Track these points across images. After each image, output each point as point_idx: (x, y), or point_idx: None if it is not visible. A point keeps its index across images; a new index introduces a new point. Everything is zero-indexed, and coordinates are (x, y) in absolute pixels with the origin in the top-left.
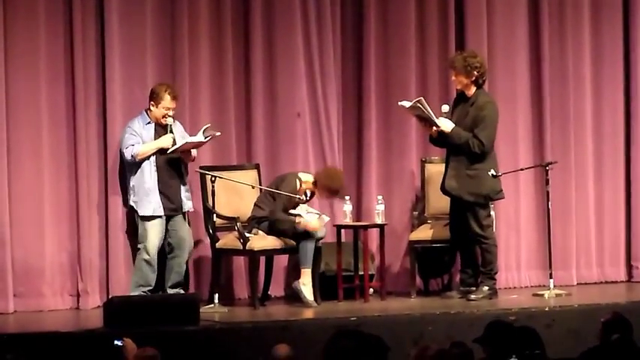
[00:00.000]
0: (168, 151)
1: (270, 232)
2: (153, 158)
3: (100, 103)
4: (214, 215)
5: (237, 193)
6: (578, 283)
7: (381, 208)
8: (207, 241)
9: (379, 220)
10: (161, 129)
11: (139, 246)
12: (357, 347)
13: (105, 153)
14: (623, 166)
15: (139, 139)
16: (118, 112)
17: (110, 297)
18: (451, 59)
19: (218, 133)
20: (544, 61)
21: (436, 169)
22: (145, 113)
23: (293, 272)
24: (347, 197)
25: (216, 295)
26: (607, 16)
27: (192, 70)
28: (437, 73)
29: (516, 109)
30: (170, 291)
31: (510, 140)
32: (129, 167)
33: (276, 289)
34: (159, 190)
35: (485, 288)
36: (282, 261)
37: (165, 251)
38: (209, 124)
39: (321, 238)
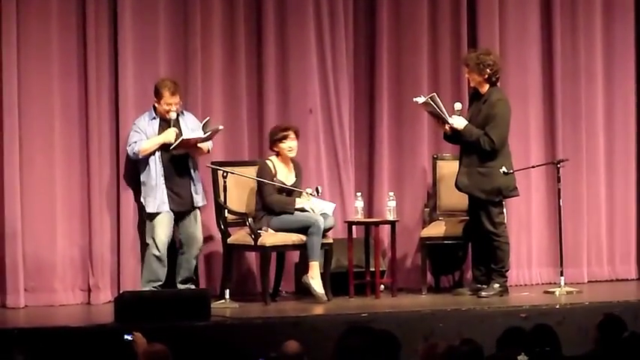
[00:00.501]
0: (170, 147)
1: (279, 228)
2: (158, 154)
3: (112, 99)
4: (226, 211)
5: (248, 189)
6: (589, 281)
7: (392, 204)
8: (219, 236)
9: (390, 217)
10: (166, 124)
11: (148, 241)
12: (368, 344)
13: (117, 148)
14: (635, 164)
15: (143, 135)
16: (130, 108)
17: (121, 292)
18: (464, 57)
19: (220, 127)
20: (556, 58)
21: (448, 166)
22: (152, 109)
23: (304, 268)
24: (358, 193)
25: (227, 291)
26: (619, 12)
27: (204, 66)
28: (449, 70)
29: (528, 106)
30: (180, 286)
31: (522, 137)
32: (139, 164)
33: (288, 285)
34: (165, 186)
35: (497, 285)
36: (293, 257)
37: (176, 247)
38: (209, 118)
39: (331, 228)
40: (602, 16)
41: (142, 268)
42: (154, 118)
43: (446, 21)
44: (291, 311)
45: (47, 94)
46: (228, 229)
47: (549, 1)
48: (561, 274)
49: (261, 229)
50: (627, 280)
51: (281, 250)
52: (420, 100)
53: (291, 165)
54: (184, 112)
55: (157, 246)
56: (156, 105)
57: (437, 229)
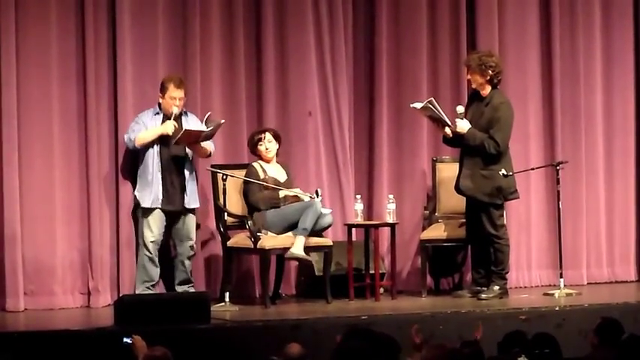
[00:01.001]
0: (173, 140)
1: (278, 223)
2: (157, 149)
3: (111, 101)
4: (225, 214)
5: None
6: (588, 283)
7: (392, 207)
8: (219, 239)
9: (390, 219)
10: (168, 119)
11: (139, 242)
12: (368, 346)
13: (116, 151)
14: (634, 165)
15: (143, 127)
16: (129, 111)
17: (121, 295)
18: (466, 58)
19: (222, 121)
20: (555, 60)
21: (447, 169)
22: (157, 106)
23: (304, 271)
24: (358, 196)
25: (227, 294)
26: (618, 13)
27: (203, 68)
28: (448, 72)
29: (527, 107)
30: (178, 288)
31: (521, 138)
32: (137, 158)
33: (287, 288)
34: (161, 183)
35: (496, 287)
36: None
37: (172, 249)
38: (210, 113)
39: (329, 226)
40: (601, 18)
41: (136, 269)
42: (158, 113)
43: (445, 23)
44: (291, 314)
45: (46, 98)
46: (228, 231)
47: (548, 3)
48: (561, 276)
49: (260, 232)
50: (627, 282)
51: (281, 252)
52: (418, 105)
53: (279, 165)
54: (188, 112)
55: (146, 247)
56: (160, 101)
57: (436, 232)
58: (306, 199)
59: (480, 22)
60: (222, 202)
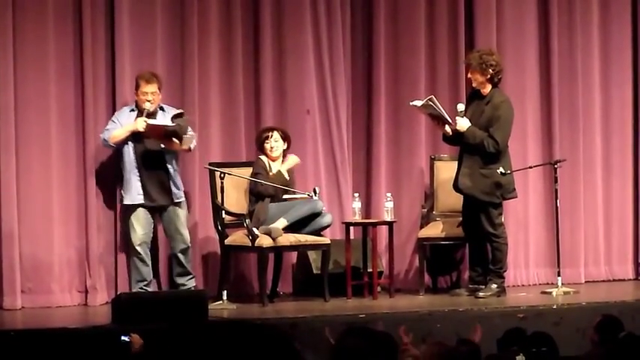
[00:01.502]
0: (141, 136)
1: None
2: (132, 146)
3: (109, 101)
4: (223, 212)
5: (246, 190)
6: (586, 281)
7: (390, 205)
8: (216, 237)
9: (388, 218)
10: (142, 115)
11: (129, 242)
12: (366, 345)
13: (113, 150)
14: (632, 163)
15: (118, 125)
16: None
17: (118, 293)
18: (467, 56)
19: (187, 117)
20: (553, 57)
21: (445, 167)
22: (134, 102)
23: (302, 269)
24: (356, 194)
25: (225, 292)
26: (616, 11)
27: (201, 67)
28: (446, 70)
29: (525, 105)
30: (177, 280)
31: (519, 136)
32: (119, 157)
33: (285, 286)
34: (139, 179)
35: (494, 286)
36: (291, 258)
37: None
38: (182, 111)
39: (328, 226)
40: (599, 16)
41: (130, 269)
42: (133, 110)
43: (443, 21)
44: (289, 312)
45: (44, 98)
46: (226, 230)
47: (546, 2)
48: (558, 275)
49: (260, 224)
50: (624, 280)
51: (278, 251)
52: (418, 103)
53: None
54: (165, 107)
55: (134, 245)
56: (136, 98)
57: (434, 230)
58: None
59: (478, 20)
60: (219, 200)
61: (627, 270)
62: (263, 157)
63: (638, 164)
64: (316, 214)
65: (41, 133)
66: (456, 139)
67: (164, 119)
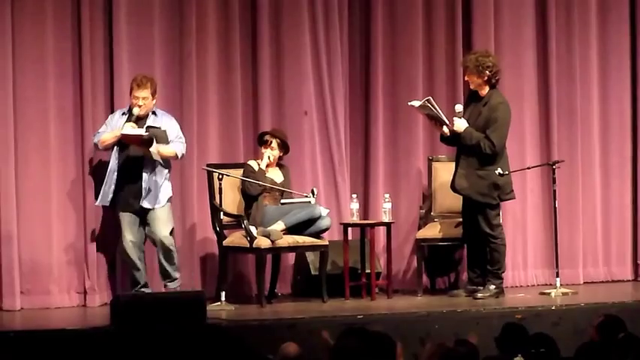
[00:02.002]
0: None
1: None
2: (116, 150)
3: (107, 100)
4: (221, 213)
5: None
6: (584, 282)
7: (387, 206)
8: (214, 238)
9: (386, 219)
10: (131, 119)
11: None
12: (364, 345)
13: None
14: (630, 164)
15: (109, 128)
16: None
17: (117, 294)
18: (463, 59)
19: (163, 129)
20: (551, 60)
21: (443, 168)
22: (128, 105)
23: (300, 270)
24: (354, 195)
25: (223, 293)
26: (614, 13)
27: (199, 67)
28: (444, 71)
29: (523, 108)
30: (163, 281)
31: (518, 138)
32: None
33: (283, 287)
34: (115, 183)
35: (492, 287)
36: (289, 259)
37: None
38: (160, 126)
39: (327, 229)
40: (597, 18)
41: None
42: (124, 113)
43: (441, 22)
44: (287, 313)
45: (42, 97)
46: (224, 231)
47: (544, 3)
48: (557, 276)
49: (256, 226)
50: (623, 281)
51: (277, 252)
52: (416, 103)
53: (277, 168)
54: (158, 112)
55: (124, 251)
56: (130, 101)
57: (432, 231)
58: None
59: (475, 21)
60: (217, 202)
61: (626, 271)
62: (252, 163)
63: (636, 165)
64: (314, 219)
65: (40, 132)
66: (454, 139)
67: (153, 123)
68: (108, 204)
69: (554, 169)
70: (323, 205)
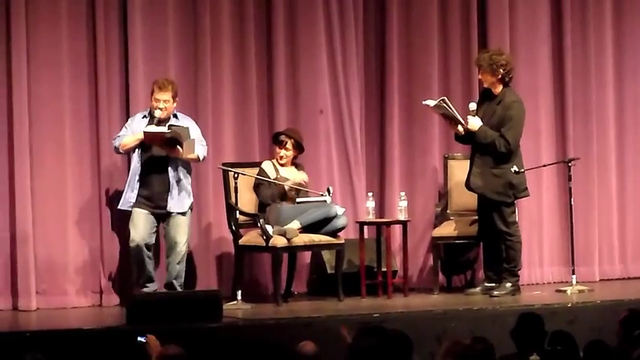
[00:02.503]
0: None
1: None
2: (138, 153)
3: (122, 100)
4: (237, 212)
5: None
6: (600, 279)
7: (403, 204)
8: (230, 237)
9: (402, 217)
10: (153, 122)
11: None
12: (381, 344)
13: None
14: None
15: (129, 131)
16: (140, 109)
17: (133, 294)
18: (477, 58)
19: (186, 127)
20: (566, 55)
21: (459, 166)
22: (148, 108)
23: (316, 269)
24: (370, 194)
25: (239, 292)
26: (629, 7)
27: (214, 66)
28: (459, 69)
29: (538, 103)
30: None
31: (533, 134)
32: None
33: (299, 286)
34: (139, 186)
35: (508, 284)
36: (305, 257)
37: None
38: (188, 126)
39: (343, 228)
40: (611, 12)
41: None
42: (145, 116)
43: (456, 20)
44: (303, 312)
45: (57, 97)
46: (240, 230)
47: None
48: (573, 273)
49: (272, 225)
50: (639, 278)
51: (292, 251)
52: (431, 103)
53: (292, 167)
54: (179, 115)
55: (130, 246)
56: (151, 104)
57: (448, 229)
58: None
59: (490, 18)
60: (233, 201)
61: None
62: (267, 165)
63: None
64: (330, 218)
65: (55, 134)
66: (468, 138)
67: (176, 123)
68: (130, 208)
69: (569, 167)
70: (339, 203)
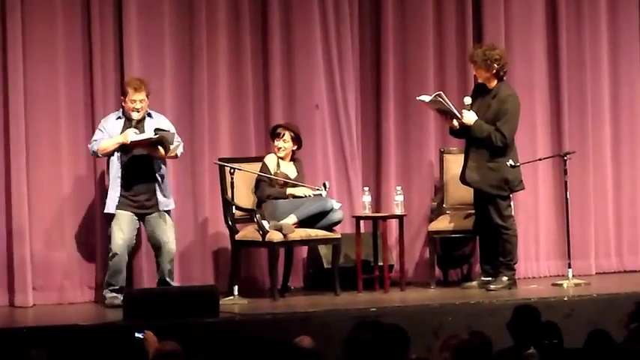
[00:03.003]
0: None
1: (304, 222)
2: (117, 155)
3: (118, 98)
4: (233, 207)
5: None
6: (596, 273)
7: (399, 198)
8: (227, 233)
9: (398, 211)
10: (130, 124)
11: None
12: (378, 338)
13: None
14: None
15: (106, 134)
16: None
17: (130, 289)
18: (470, 54)
19: (171, 131)
20: (561, 49)
21: (455, 160)
22: (121, 109)
23: (313, 263)
24: (366, 188)
25: (236, 287)
26: (624, 1)
27: (210, 61)
28: (455, 64)
29: (534, 98)
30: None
31: (528, 128)
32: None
33: (296, 281)
34: (121, 187)
35: (505, 278)
36: (301, 252)
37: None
38: (169, 131)
39: (339, 222)
40: (606, 7)
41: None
42: (120, 117)
43: (451, 15)
44: (300, 306)
45: (53, 93)
46: (236, 225)
47: None
48: (569, 267)
49: (268, 221)
50: (635, 271)
51: (289, 245)
52: (426, 98)
53: (291, 162)
54: (153, 113)
55: (112, 248)
56: (123, 104)
57: (444, 223)
58: (308, 192)
59: (486, 12)
60: (230, 196)
61: (638, 261)
62: (269, 160)
63: None
64: (326, 212)
65: (51, 130)
66: (463, 132)
67: (149, 126)
68: (114, 210)
69: (565, 160)
70: (335, 198)
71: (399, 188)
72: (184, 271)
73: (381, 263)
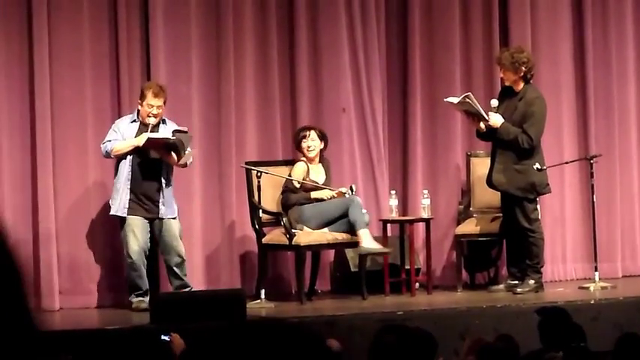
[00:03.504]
0: (140, 148)
1: (315, 217)
2: (130, 158)
3: None
4: (260, 211)
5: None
6: (623, 276)
7: (426, 202)
8: (254, 236)
9: (425, 215)
10: (145, 128)
11: (125, 251)
12: (404, 342)
13: None
14: None
15: (119, 136)
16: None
17: (157, 293)
18: (498, 56)
19: (189, 134)
20: (587, 52)
21: (481, 163)
22: (136, 112)
23: (339, 267)
24: (393, 191)
25: (263, 291)
26: None
27: (237, 65)
28: (481, 66)
29: (560, 100)
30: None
31: (555, 132)
32: (115, 166)
33: (323, 284)
34: (130, 190)
35: (532, 281)
36: (328, 256)
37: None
38: (186, 128)
39: (366, 225)
40: (632, 7)
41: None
42: (135, 121)
43: (478, 17)
44: (327, 310)
45: (80, 98)
46: (263, 228)
47: None
48: (596, 270)
49: (295, 227)
50: None
51: (316, 249)
52: (454, 100)
53: (320, 165)
54: (167, 120)
55: (129, 255)
56: (139, 108)
57: (471, 226)
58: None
59: (512, 15)
60: (256, 199)
61: None
62: (299, 166)
63: None
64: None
65: (78, 134)
66: (489, 134)
67: (165, 133)
68: (125, 214)
69: (591, 163)
70: (362, 200)
71: (425, 191)
72: (211, 275)
73: (407, 267)
